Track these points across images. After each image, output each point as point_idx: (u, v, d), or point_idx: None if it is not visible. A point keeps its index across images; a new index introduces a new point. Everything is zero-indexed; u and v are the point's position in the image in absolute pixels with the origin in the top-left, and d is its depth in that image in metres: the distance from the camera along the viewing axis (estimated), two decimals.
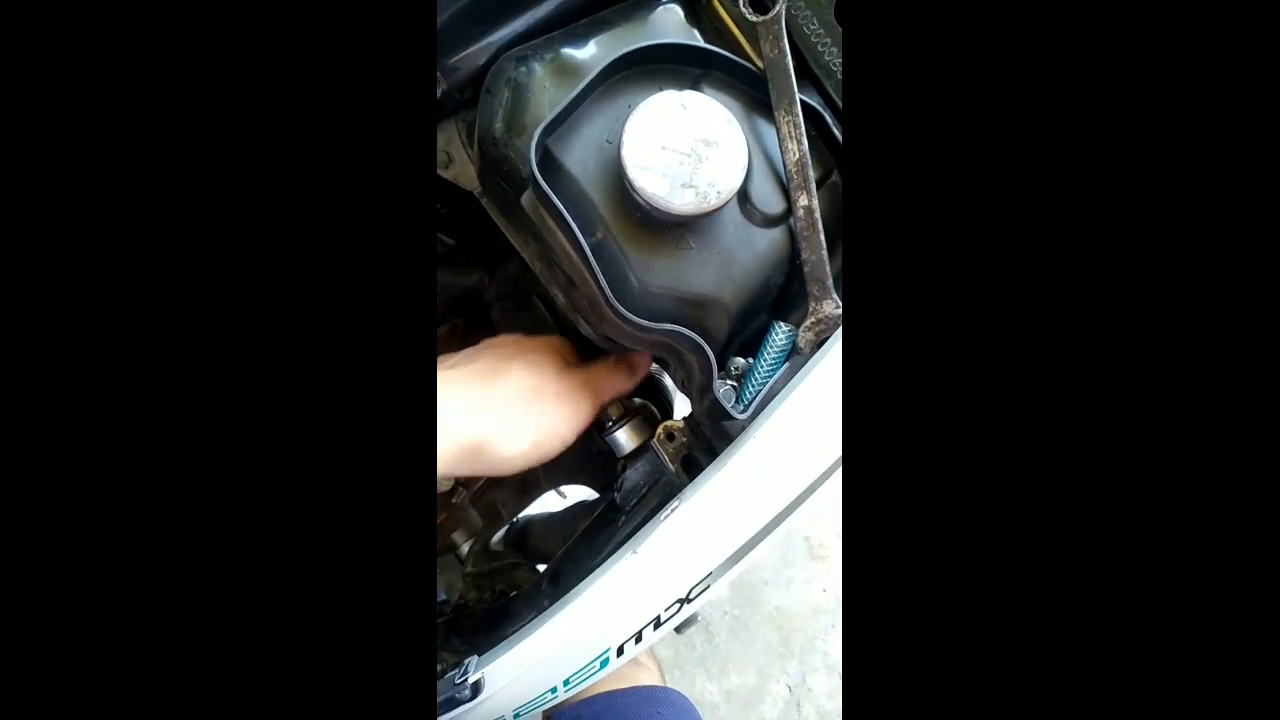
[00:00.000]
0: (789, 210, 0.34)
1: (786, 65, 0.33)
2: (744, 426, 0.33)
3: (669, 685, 0.60)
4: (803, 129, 0.33)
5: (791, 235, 0.34)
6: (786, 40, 0.33)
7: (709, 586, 0.38)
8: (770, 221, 0.34)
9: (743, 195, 0.33)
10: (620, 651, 0.39)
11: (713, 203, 0.31)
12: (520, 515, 0.59)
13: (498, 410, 0.36)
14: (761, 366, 0.34)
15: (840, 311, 0.33)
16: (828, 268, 0.33)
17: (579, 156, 0.32)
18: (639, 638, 0.38)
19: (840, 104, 0.36)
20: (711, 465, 0.33)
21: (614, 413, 0.42)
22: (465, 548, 0.58)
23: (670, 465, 0.38)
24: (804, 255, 0.34)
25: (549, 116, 0.31)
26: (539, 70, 0.34)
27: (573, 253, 0.32)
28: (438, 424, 0.32)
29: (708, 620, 1.09)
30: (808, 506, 0.37)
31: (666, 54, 0.34)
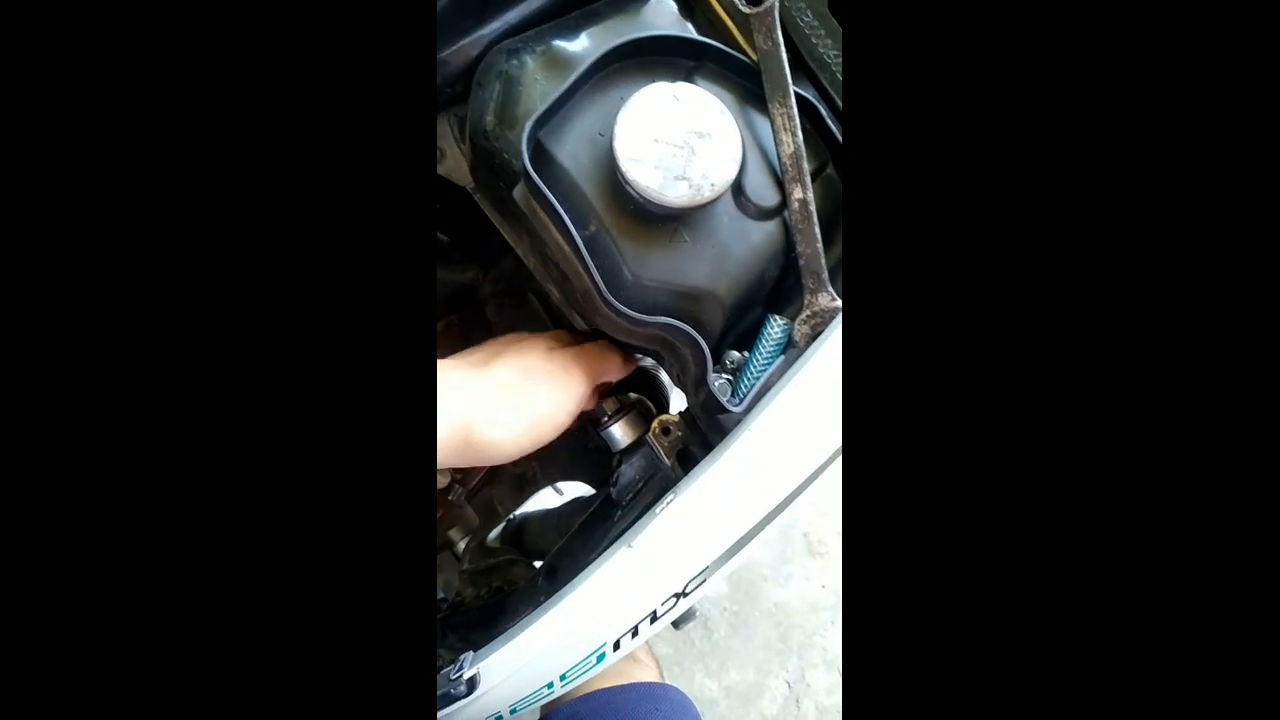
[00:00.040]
0: (783, 203, 0.34)
1: (780, 57, 0.33)
2: (739, 420, 0.33)
3: (668, 682, 0.60)
4: (797, 121, 0.33)
5: (786, 228, 0.34)
6: (780, 32, 0.33)
7: (705, 581, 0.37)
8: (764, 214, 0.34)
9: (737, 188, 0.33)
10: (617, 646, 0.39)
11: (706, 195, 0.31)
12: (517, 512, 0.58)
13: (486, 394, 0.35)
14: (757, 360, 0.34)
15: (836, 304, 0.33)
16: (823, 260, 0.33)
17: (571, 149, 0.32)
18: (635, 632, 0.38)
19: (834, 96, 0.36)
20: (706, 459, 0.33)
21: (609, 408, 0.42)
22: (462, 545, 0.58)
23: (665, 459, 0.38)
24: (799, 248, 0.33)
25: (540, 109, 0.31)
26: (530, 63, 0.34)
27: (565, 246, 0.32)
28: None
29: (707, 617, 1.09)
30: (806, 503, 0.37)
31: (659, 46, 0.34)
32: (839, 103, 0.36)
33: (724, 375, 0.34)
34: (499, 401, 0.35)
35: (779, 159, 0.33)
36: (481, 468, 0.55)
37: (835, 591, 1.12)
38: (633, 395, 0.44)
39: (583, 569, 0.36)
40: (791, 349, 0.34)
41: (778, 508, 0.34)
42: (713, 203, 0.32)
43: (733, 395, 0.33)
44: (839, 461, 0.34)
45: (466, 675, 0.37)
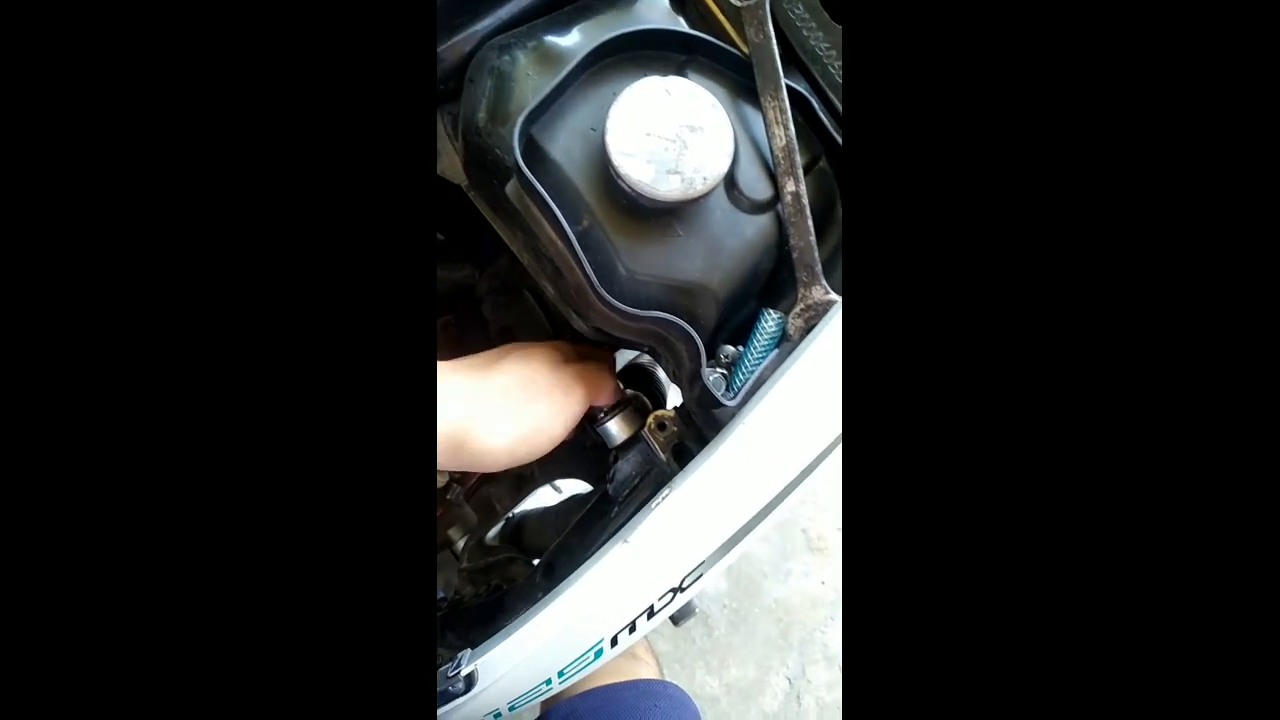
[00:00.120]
0: (776, 196, 0.34)
1: (772, 50, 0.33)
2: (734, 414, 0.33)
3: (668, 679, 0.60)
4: (789, 114, 0.33)
5: (779, 221, 0.34)
6: (771, 25, 0.33)
7: (702, 575, 0.37)
8: (758, 208, 0.34)
9: (729, 181, 0.33)
10: (614, 642, 0.38)
11: (699, 189, 0.31)
12: (515, 510, 0.58)
13: (484, 400, 0.35)
14: (751, 354, 0.34)
15: (830, 297, 0.33)
16: (816, 253, 0.33)
17: (563, 144, 0.32)
18: (633, 628, 0.38)
19: (826, 89, 0.36)
20: (701, 453, 0.33)
21: (604, 404, 0.42)
22: (460, 543, 0.58)
23: (661, 455, 0.38)
24: (792, 241, 0.33)
25: (532, 104, 0.31)
26: (522, 58, 0.34)
27: (558, 241, 0.32)
28: None
29: (707, 614, 1.09)
30: (806, 499, 0.37)
31: (651, 40, 0.34)
32: (831, 95, 0.36)
33: (718, 370, 0.34)
34: (499, 410, 0.35)
35: (771, 152, 0.33)
36: None
37: (835, 587, 1.12)
38: (629, 391, 0.44)
39: (579, 565, 0.36)
40: (785, 342, 0.34)
41: (773, 501, 0.34)
42: (705, 196, 0.31)
43: (727, 389, 0.33)
44: (834, 455, 0.34)
45: (464, 672, 0.37)
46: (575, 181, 0.32)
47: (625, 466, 0.40)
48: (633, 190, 0.31)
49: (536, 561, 0.52)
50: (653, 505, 0.34)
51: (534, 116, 0.31)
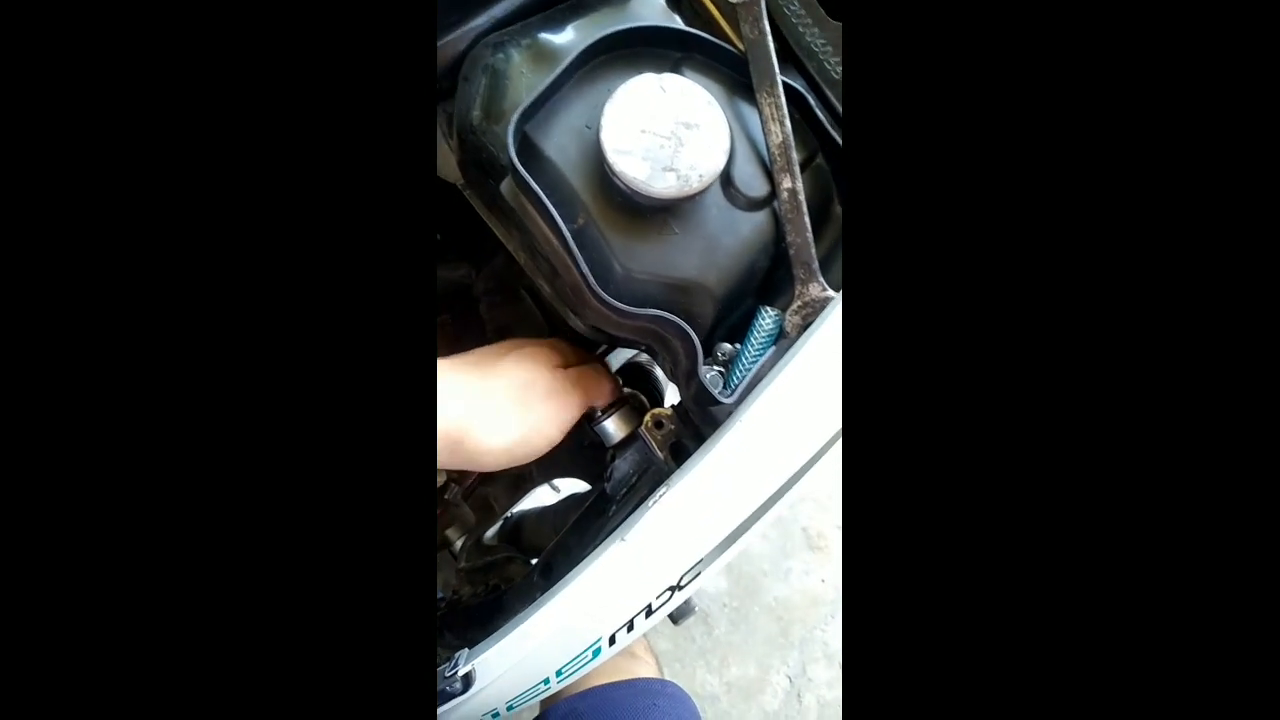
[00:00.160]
0: (773, 193, 0.33)
1: (767, 46, 0.33)
2: (731, 411, 0.33)
3: (668, 678, 0.60)
4: (785, 111, 0.33)
5: (776, 218, 0.34)
6: (767, 21, 0.33)
7: (700, 573, 0.37)
8: (754, 205, 0.34)
9: (725, 178, 0.33)
10: (612, 641, 0.38)
11: (694, 186, 0.31)
12: (513, 510, 0.58)
13: (486, 400, 0.35)
14: (748, 351, 0.34)
15: (827, 294, 0.33)
16: (813, 250, 0.33)
17: (558, 142, 0.32)
18: (631, 626, 0.38)
19: (822, 85, 0.36)
20: (698, 451, 0.33)
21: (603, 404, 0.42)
22: (459, 543, 0.58)
23: (659, 453, 0.38)
24: (789, 238, 0.33)
25: (526, 101, 0.31)
26: (516, 56, 0.34)
27: (554, 240, 0.31)
28: None
29: (707, 612, 1.09)
30: (806, 497, 0.37)
31: (646, 37, 0.34)
32: (827, 92, 0.36)
33: (715, 367, 0.34)
34: (499, 411, 0.35)
35: (767, 149, 0.33)
36: None
37: (835, 585, 1.12)
38: (626, 390, 0.44)
39: (577, 564, 0.36)
40: (783, 340, 0.34)
41: (770, 499, 0.34)
42: (701, 194, 0.31)
43: (724, 387, 0.33)
44: (831, 452, 0.34)
45: (461, 672, 0.37)
46: (570, 179, 0.32)
47: (623, 465, 0.40)
48: (628, 188, 0.31)
49: (535, 561, 0.52)
50: (650, 503, 0.34)
51: (528, 114, 0.31)
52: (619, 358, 0.52)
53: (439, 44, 0.35)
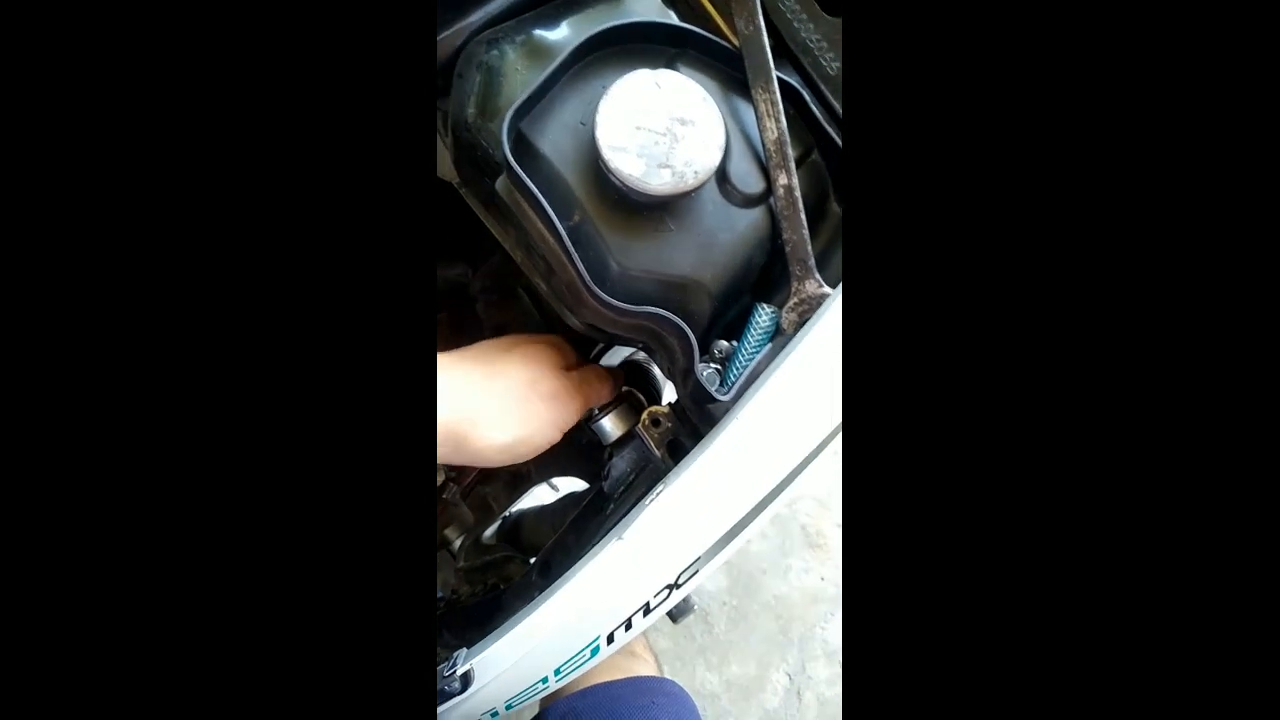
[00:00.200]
0: (769, 190, 0.33)
1: (762, 42, 0.33)
2: (728, 409, 0.33)
3: (667, 676, 0.60)
4: (780, 107, 0.33)
5: (772, 215, 0.34)
6: (762, 17, 0.33)
7: (698, 571, 0.37)
8: (750, 201, 0.33)
9: (721, 175, 0.33)
10: (610, 639, 0.38)
11: (690, 183, 0.31)
12: (512, 509, 0.58)
13: (489, 398, 0.35)
14: (745, 348, 0.34)
15: (823, 291, 0.33)
16: (809, 247, 0.33)
17: (553, 139, 0.32)
18: (629, 625, 0.38)
19: (818, 80, 0.36)
20: (695, 449, 0.33)
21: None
22: (457, 543, 0.58)
23: (656, 451, 0.38)
24: (785, 235, 0.33)
25: (520, 98, 0.31)
26: (511, 53, 0.34)
27: (549, 237, 0.31)
28: None
29: (706, 611, 1.09)
30: (805, 495, 0.36)
31: (640, 33, 0.33)
32: (822, 88, 0.36)
33: (712, 365, 0.34)
34: (502, 408, 0.35)
35: (763, 145, 0.33)
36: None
37: (835, 583, 1.12)
38: (624, 388, 0.44)
39: (575, 563, 0.36)
40: (779, 337, 0.34)
41: (768, 497, 0.34)
42: (697, 190, 0.31)
43: (721, 384, 0.33)
44: (828, 450, 0.34)
45: (460, 671, 0.37)
46: (565, 176, 0.32)
47: (620, 463, 0.40)
48: (623, 184, 0.30)
49: (533, 560, 0.52)
50: (647, 502, 0.33)
51: (523, 111, 0.31)
52: (616, 356, 0.52)
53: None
